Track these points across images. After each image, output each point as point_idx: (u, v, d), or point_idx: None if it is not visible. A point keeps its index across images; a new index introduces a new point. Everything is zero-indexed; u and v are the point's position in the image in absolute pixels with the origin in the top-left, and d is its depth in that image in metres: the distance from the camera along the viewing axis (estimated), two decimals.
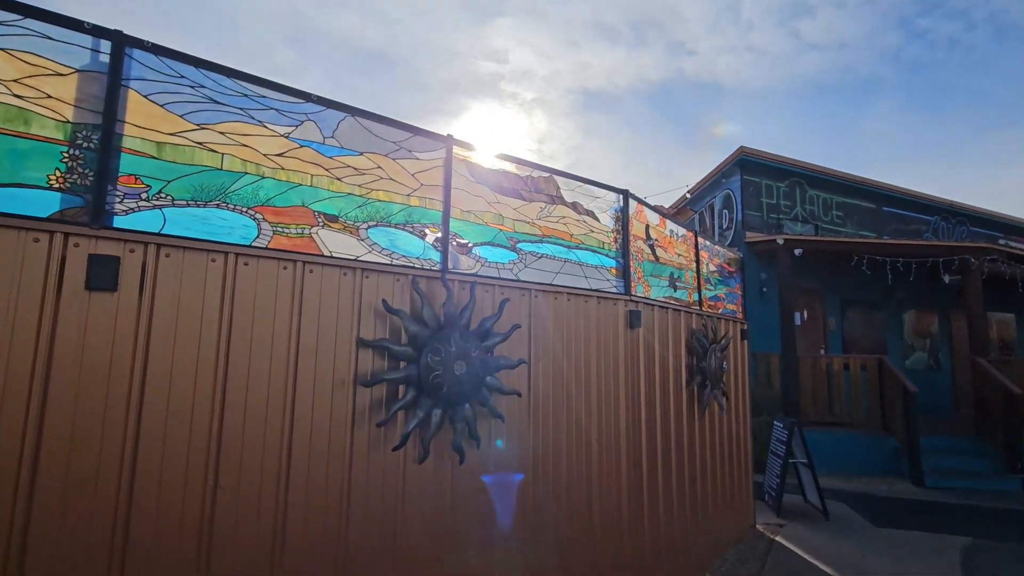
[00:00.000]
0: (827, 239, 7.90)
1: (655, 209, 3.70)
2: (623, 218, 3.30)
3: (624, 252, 3.27)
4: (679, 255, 4.02)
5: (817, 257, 8.64)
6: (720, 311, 4.69)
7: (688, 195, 10.23)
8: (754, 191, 8.84)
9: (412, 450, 2.22)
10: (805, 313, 9.04)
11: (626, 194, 3.33)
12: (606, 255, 3.17)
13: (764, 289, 8.52)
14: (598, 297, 3.06)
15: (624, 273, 3.25)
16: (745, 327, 5.14)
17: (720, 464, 4.43)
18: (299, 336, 1.97)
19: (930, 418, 8.78)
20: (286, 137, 2.06)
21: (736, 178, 8.78)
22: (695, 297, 4.19)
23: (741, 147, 8.39)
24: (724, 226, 9.04)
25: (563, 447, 2.79)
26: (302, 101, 2.11)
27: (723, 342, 4.31)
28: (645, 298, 3.40)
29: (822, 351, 9.08)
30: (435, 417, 2.22)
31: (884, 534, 4.92)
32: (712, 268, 4.64)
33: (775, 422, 5.93)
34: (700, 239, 4.39)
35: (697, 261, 4.30)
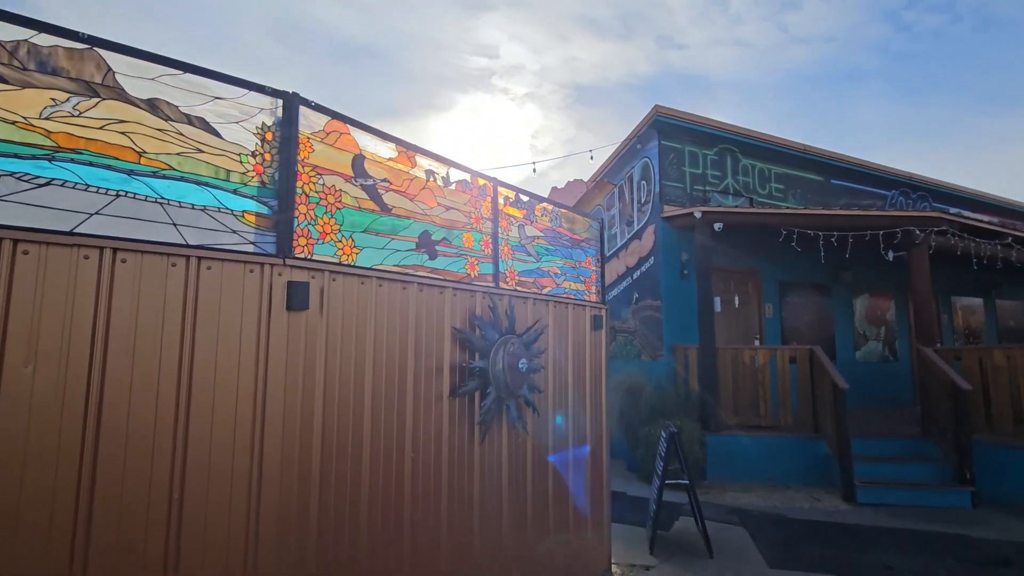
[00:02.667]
0: (748, 210, 6.76)
1: (382, 135, 2.48)
2: (286, 137, 2.08)
3: (285, 190, 2.06)
4: (450, 207, 2.81)
5: (750, 234, 7.49)
6: (548, 290, 3.49)
7: (592, 162, 9.03)
8: (675, 159, 7.66)
9: None
10: (736, 299, 7.90)
11: (292, 99, 2.11)
12: (237, 191, 1.96)
13: (685, 271, 7.35)
14: (209, 258, 1.85)
15: (282, 224, 2.04)
16: (601, 313, 3.96)
17: (540, 497, 3.25)
18: None
19: (873, 418, 7.69)
20: None
21: (654, 144, 7.58)
22: (485, 270, 2.99)
23: (656, 106, 7.20)
24: (642, 200, 7.85)
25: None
26: None
27: (531, 334, 3.12)
28: (331, 263, 2.19)
29: (756, 342, 7.95)
30: None
31: None
32: (536, 233, 3.44)
33: (661, 431, 4.77)
34: (503, 189, 3.19)
35: (495, 220, 3.10)
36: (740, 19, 50.28)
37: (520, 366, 2.89)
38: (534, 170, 7.88)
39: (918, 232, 6.29)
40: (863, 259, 7.58)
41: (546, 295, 3.44)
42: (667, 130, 7.49)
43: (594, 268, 4.00)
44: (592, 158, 7.89)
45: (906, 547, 4.39)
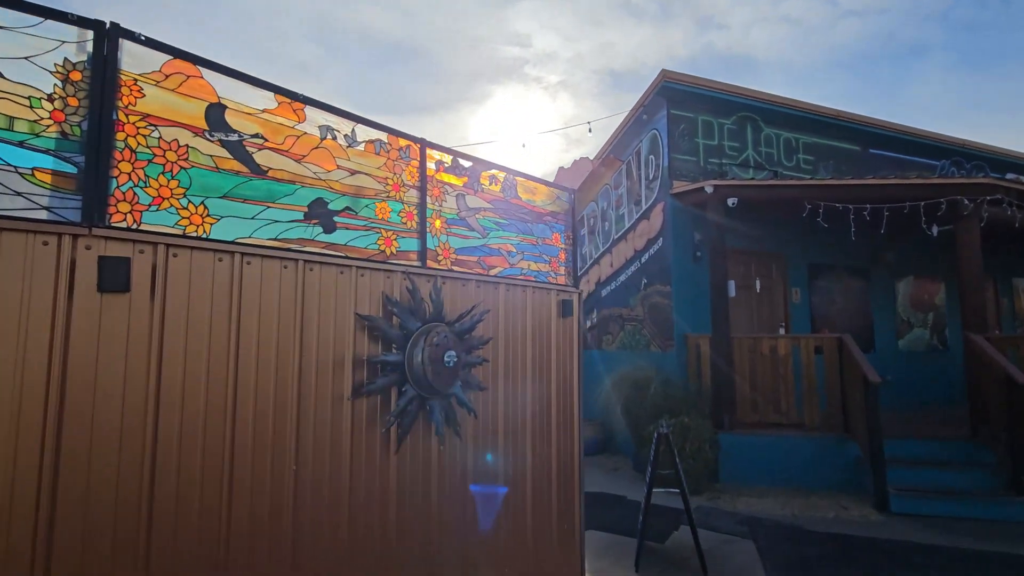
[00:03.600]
0: (766, 182, 6.02)
1: (253, 80, 2.04)
2: (100, 77, 1.67)
3: (97, 143, 1.65)
4: (356, 171, 2.36)
5: (773, 212, 6.75)
6: (498, 271, 3.00)
7: (590, 139, 8.36)
8: (687, 130, 6.95)
9: None
10: (758, 283, 7.17)
11: (109, 30, 1.69)
12: (25, 144, 1.56)
13: (697, 254, 6.69)
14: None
15: (91, 185, 1.63)
16: (572, 297, 3.44)
17: (487, 511, 2.79)
18: None
19: (915, 415, 6.85)
20: None
21: (662, 114, 6.90)
22: (407, 246, 2.53)
23: (663, 71, 6.51)
24: (650, 176, 7.19)
25: None
26: None
27: (467, 321, 2.64)
28: (170, 235, 1.78)
29: (781, 330, 7.21)
30: None
31: None
32: (482, 204, 2.95)
33: (657, 432, 4.21)
34: (435, 151, 2.71)
35: (423, 188, 2.63)
36: None
37: (447, 359, 2.42)
38: (523, 146, 7.17)
39: (966, 202, 5.43)
40: (907, 237, 6.72)
41: (494, 276, 2.95)
42: (677, 98, 6.80)
43: (563, 246, 3.47)
44: (591, 130, 7.28)
45: (946, 568, 3.71)
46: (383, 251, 2.42)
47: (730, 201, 6.04)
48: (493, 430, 2.86)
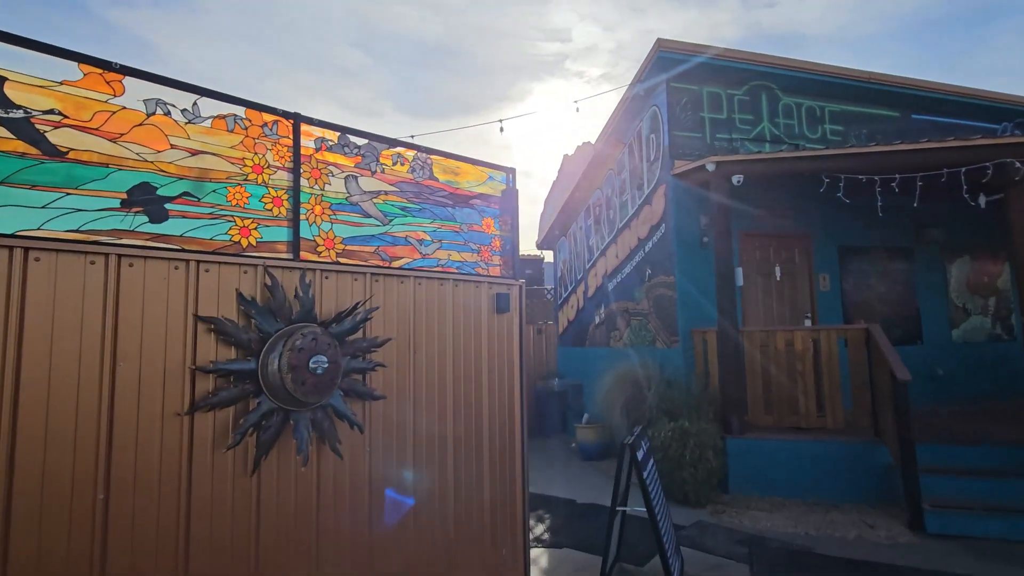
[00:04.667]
0: (773, 155, 5.31)
1: (42, 46, 1.76)
2: None
3: None
4: (200, 151, 2.05)
5: (795, 189, 6.04)
6: (405, 263, 2.64)
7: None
8: (690, 103, 6.32)
9: None
10: (778, 269, 6.45)
11: None
12: None
13: (705, 239, 6.06)
14: None
15: None
16: (509, 291, 3.03)
17: (392, 543, 2.44)
18: None
19: (968, 416, 5.95)
20: None
21: (661, 87, 6.29)
22: (273, 236, 2.21)
23: (658, 40, 5.91)
24: (651, 158, 6.59)
25: None
26: None
27: (348, 322, 2.29)
28: None
29: (807, 322, 6.46)
30: None
31: None
32: (383, 186, 2.59)
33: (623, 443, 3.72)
34: (314, 128, 2.37)
35: (296, 169, 2.29)
36: None
37: (314, 366, 2.08)
38: (501, 129, 6.74)
39: (1018, 165, 4.58)
40: (959, 210, 5.83)
41: (398, 269, 2.58)
42: (677, 68, 6.19)
43: (497, 233, 3.06)
44: (578, 109, 6.74)
45: None
46: (237, 242, 2.10)
47: (735, 179, 5.40)
48: (398, 446, 2.49)
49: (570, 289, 9.76)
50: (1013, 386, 6.95)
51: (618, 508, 3.28)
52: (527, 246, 14.06)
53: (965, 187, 4.82)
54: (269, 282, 2.10)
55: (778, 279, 6.43)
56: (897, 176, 4.98)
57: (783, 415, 5.31)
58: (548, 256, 12.34)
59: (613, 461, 6.76)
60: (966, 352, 7.17)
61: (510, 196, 3.17)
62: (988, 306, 7.52)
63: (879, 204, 5.10)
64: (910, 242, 7.12)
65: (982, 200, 4.98)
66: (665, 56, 5.99)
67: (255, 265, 2.10)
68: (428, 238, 2.74)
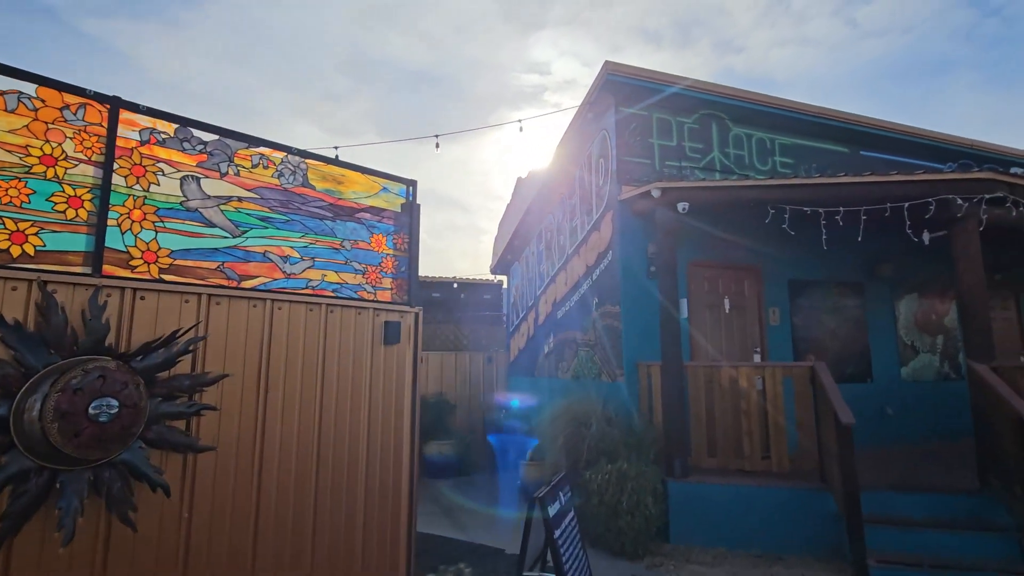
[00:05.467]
0: (719, 183, 5.12)
1: None
2: None
3: None
4: None
5: (739, 217, 5.85)
6: (263, 283, 2.21)
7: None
8: (639, 129, 6.13)
9: None
10: (727, 302, 6.22)
11: None
12: None
13: (652, 268, 5.80)
14: None
15: None
16: (401, 318, 2.62)
17: None
18: None
19: (920, 458, 5.75)
20: None
21: (610, 112, 6.10)
22: (69, 245, 1.76)
23: (607, 62, 5.74)
24: (600, 182, 6.36)
25: None
26: None
27: (156, 356, 1.84)
28: None
29: (756, 357, 6.22)
30: None
31: None
32: (236, 191, 2.17)
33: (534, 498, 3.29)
34: (140, 117, 1.96)
35: (108, 164, 1.86)
36: (804, 17, 47.91)
37: (95, 412, 1.62)
38: (437, 146, 6.43)
39: (960, 201, 4.47)
40: (909, 248, 5.72)
41: (248, 290, 2.15)
42: (626, 92, 6.01)
43: (391, 252, 2.67)
44: (521, 129, 6.49)
45: None
46: (5, 250, 1.65)
47: (680, 206, 5.17)
48: (235, 510, 2.02)
49: (521, 316, 9.39)
50: (960, 426, 6.80)
51: (525, 574, 2.84)
52: (485, 270, 13.71)
53: (908, 223, 4.68)
54: (42, 302, 1.64)
55: (727, 311, 6.19)
56: (841, 209, 4.82)
57: (728, 457, 4.98)
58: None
59: None
60: (915, 391, 7.05)
61: (411, 212, 2.79)
62: (936, 344, 7.45)
63: (824, 237, 4.93)
64: (861, 277, 7.03)
65: (926, 236, 4.85)
66: (614, 79, 5.81)
67: (27, 280, 1.65)
68: (296, 255, 2.32)
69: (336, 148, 4.53)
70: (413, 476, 2.65)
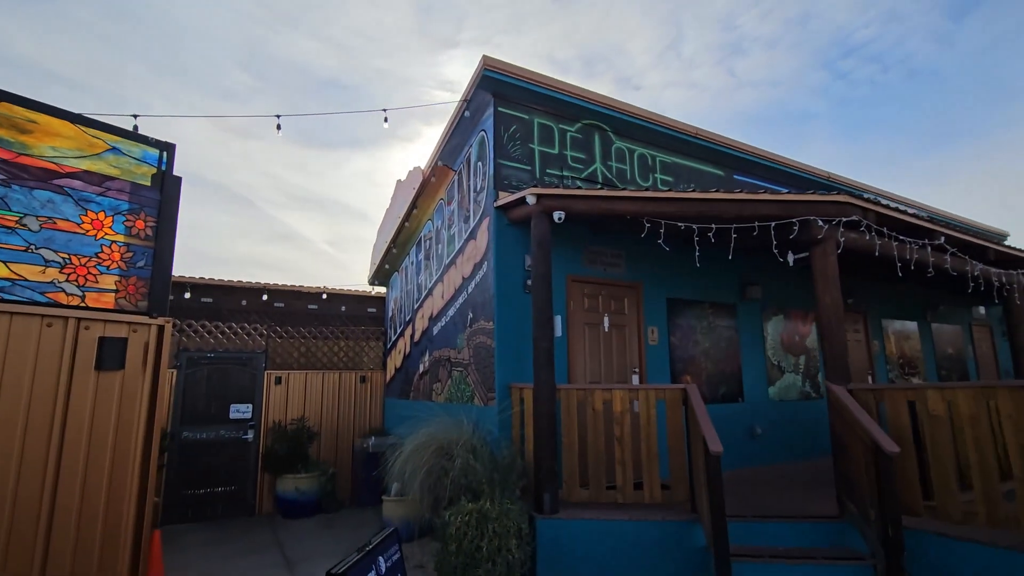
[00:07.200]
0: (595, 193, 4.85)
1: None
2: None
3: None
4: None
5: (627, 234, 5.64)
6: None
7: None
8: (519, 132, 5.75)
9: None
10: (606, 320, 5.95)
11: None
12: None
13: (529, 282, 5.36)
14: None
15: None
16: (128, 334, 1.82)
17: None
18: None
19: (786, 482, 5.78)
20: None
21: (489, 112, 5.67)
22: None
23: (484, 57, 5.32)
24: (478, 187, 5.88)
25: None
26: None
27: None
28: None
29: (635, 378, 5.99)
30: None
31: None
32: None
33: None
34: None
35: None
36: (693, 64, 53.80)
37: None
38: (278, 128, 5.61)
39: (820, 223, 4.50)
40: (776, 270, 5.82)
41: None
42: (506, 92, 5.61)
43: (122, 239, 1.87)
44: (386, 120, 5.88)
45: None
46: None
47: (556, 215, 4.80)
48: None
49: (399, 332, 8.62)
50: (822, 445, 7.09)
51: None
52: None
53: (775, 243, 4.65)
54: None
55: (606, 330, 5.92)
56: (714, 226, 4.70)
57: (600, 489, 4.59)
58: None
59: (422, 544, 5.56)
60: (782, 410, 7.25)
61: (163, 186, 2.01)
62: (800, 364, 7.79)
63: (697, 254, 4.78)
64: (734, 298, 7.15)
65: (791, 258, 4.87)
66: (491, 75, 5.37)
67: None
68: None
69: (135, 116, 3.50)
70: (142, 558, 1.85)
